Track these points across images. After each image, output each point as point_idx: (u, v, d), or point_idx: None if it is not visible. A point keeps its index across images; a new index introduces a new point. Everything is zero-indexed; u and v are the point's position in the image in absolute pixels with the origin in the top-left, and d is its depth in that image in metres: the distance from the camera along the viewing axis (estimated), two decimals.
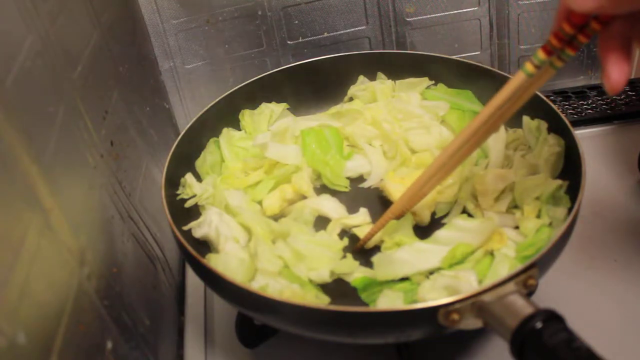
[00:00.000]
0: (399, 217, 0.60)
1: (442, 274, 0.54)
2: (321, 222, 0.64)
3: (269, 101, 0.75)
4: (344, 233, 0.63)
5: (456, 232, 0.58)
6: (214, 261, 0.57)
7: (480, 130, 0.52)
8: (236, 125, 0.74)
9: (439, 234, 0.58)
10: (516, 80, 0.48)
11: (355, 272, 0.58)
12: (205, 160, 0.69)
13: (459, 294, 0.46)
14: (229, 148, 0.70)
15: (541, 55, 0.45)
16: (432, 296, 0.52)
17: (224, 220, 0.61)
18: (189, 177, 0.66)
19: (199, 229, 0.61)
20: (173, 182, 0.64)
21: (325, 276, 0.57)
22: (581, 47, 0.44)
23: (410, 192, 0.58)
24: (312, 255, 0.57)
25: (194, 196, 0.65)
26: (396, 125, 0.71)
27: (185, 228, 0.60)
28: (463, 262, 0.56)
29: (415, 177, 0.59)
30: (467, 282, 0.52)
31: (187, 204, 0.64)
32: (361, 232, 0.62)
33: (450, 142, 0.54)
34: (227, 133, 0.72)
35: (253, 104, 0.75)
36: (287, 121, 0.73)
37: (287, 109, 0.76)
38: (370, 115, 0.72)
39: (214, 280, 0.53)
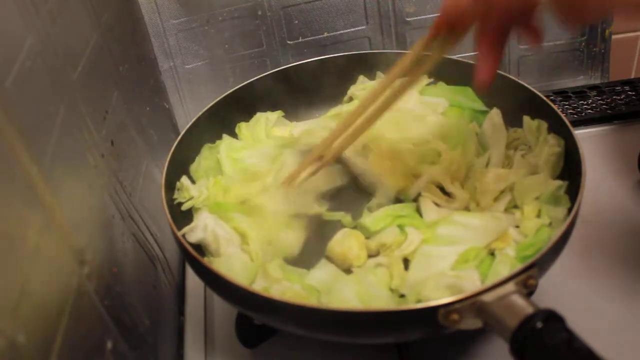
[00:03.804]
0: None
1: (445, 274, 0.54)
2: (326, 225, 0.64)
3: (269, 101, 0.75)
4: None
5: (463, 230, 0.57)
6: (217, 264, 0.57)
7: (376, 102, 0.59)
8: (236, 125, 0.74)
9: (441, 231, 0.58)
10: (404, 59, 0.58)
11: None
12: (200, 165, 0.68)
13: (462, 293, 0.46)
14: (228, 158, 0.69)
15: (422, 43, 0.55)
16: (435, 296, 0.52)
17: (219, 224, 0.61)
18: (184, 180, 0.65)
19: (193, 233, 0.60)
20: (173, 182, 0.64)
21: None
22: (458, 40, 0.53)
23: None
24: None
25: (191, 198, 0.64)
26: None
27: (179, 234, 0.60)
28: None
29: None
30: (471, 282, 0.52)
31: (184, 207, 0.63)
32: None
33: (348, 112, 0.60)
34: (227, 142, 0.71)
35: (253, 104, 0.75)
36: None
37: (283, 116, 0.76)
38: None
39: (215, 282, 0.53)
